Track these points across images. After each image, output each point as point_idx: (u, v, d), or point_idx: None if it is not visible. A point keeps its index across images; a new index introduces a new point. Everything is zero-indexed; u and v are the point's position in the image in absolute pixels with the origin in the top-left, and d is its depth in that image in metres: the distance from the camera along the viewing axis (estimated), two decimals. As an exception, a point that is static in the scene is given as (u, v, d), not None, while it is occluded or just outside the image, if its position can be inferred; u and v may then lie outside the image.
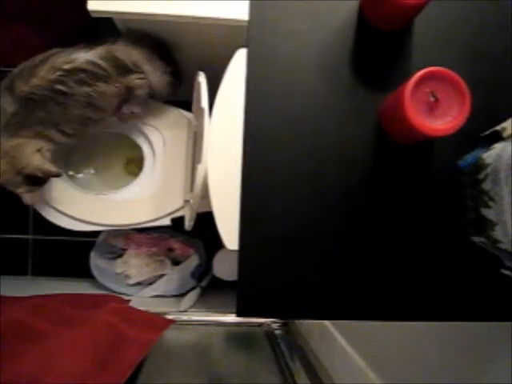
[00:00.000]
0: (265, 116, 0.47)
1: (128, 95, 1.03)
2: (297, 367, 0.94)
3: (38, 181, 1.00)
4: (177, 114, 1.17)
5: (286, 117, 0.47)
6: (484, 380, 0.51)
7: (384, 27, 0.48)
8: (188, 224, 1.03)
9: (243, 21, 0.49)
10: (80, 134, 1.07)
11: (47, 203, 1.14)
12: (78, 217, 1.14)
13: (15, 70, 0.98)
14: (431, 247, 0.48)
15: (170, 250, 1.42)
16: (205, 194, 0.75)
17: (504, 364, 0.48)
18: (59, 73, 0.94)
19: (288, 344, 1.06)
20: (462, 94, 0.42)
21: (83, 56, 0.96)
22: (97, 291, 1.32)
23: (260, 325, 1.16)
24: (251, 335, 1.12)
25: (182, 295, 1.33)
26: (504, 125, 0.44)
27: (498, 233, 0.41)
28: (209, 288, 1.41)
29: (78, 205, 1.15)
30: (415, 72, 0.42)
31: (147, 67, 1.02)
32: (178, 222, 1.15)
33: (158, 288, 1.36)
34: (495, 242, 0.42)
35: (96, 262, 1.38)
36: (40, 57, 0.97)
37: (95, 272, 1.37)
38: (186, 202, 1.13)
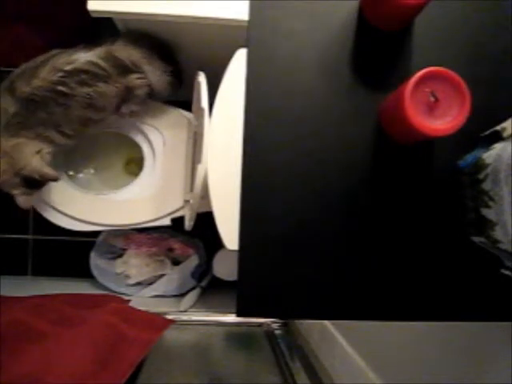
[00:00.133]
0: (265, 116, 0.47)
1: (128, 95, 1.03)
2: (297, 367, 0.94)
3: (35, 184, 1.00)
4: (177, 114, 1.17)
5: (286, 117, 0.47)
6: (484, 380, 0.51)
7: (384, 27, 0.48)
8: (188, 224, 1.03)
9: (243, 21, 0.49)
10: (80, 135, 1.07)
11: (47, 203, 1.14)
12: (78, 217, 1.14)
13: (16, 71, 0.98)
14: (431, 247, 0.48)
15: (170, 249, 1.42)
16: (205, 194, 0.75)
17: (504, 364, 0.48)
18: (60, 74, 0.94)
19: (288, 344, 1.06)
20: (462, 94, 0.42)
21: (83, 56, 0.96)
22: (97, 291, 1.32)
23: (260, 325, 1.16)
24: (251, 335, 1.12)
25: (182, 295, 1.33)
26: (504, 125, 0.44)
27: (498, 233, 0.41)
28: (209, 288, 1.41)
29: (78, 205, 1.15)
30: (415, 72, 0.42)
31: (147, 67, 1.02)
32: (178, 221, 1.15)
33: (158, 288, 1.36)
34: (495, 242, 0.42)
35: (96, 261, 1.38)
36: (41, 58, 0.97)
37: (95, 272, 1.37)
38: (186, 201, 1.13)
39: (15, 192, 0.99)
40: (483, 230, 0.44)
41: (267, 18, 0.48)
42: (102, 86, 0.98)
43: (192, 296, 1.30)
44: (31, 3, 1.32)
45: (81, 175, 1.30)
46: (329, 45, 0.48)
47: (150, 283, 1.38)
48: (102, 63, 0.97)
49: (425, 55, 0.49)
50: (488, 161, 0.42)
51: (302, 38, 0.48)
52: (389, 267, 0.47)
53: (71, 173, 1.26)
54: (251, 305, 0.47)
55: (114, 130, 1.18)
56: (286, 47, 0.48)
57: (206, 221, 0.81)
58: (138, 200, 1.16)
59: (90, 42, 1.01)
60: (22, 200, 1.00)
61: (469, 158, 0.46)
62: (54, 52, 0.99)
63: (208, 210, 0.70)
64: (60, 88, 0.95)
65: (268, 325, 1.16)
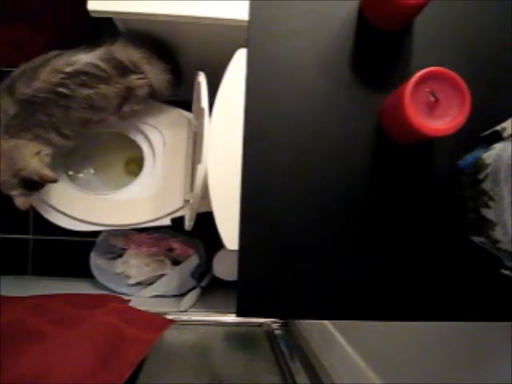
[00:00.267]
0: (265, 116, 0.47)
1: (128, 95, 1.03)
2: (297, 367, 0.94)
3: (33, 185, 1.00)
4: (177, 114, 1.17)
5: (286, 117, 0.47)
6: (484, 380, 0.51)
7: (384, 27, 0.48)
8: (188, 224, 1.03)
9: (243, 21, 0.49)
10: (80, 136, 1.07)
11: (47, 203, 1.14)
12: (77, 217, 1.15)
13: (15, 72, 0.98)
14: (431, 247, 0.48)
15: (170, 250, 1.42)
16: (205, 194, 0.75)
17: (504, 364, 0.48)
18: (61, 75, 0.94)
19: (288, 344, 1.06)
20: (462, 94, 0.42)
21: (84, 58, 0.96)
22: (97, 291, 1.32)
23: (260, 325, 1.16)
24: (251, 335, 1.12)
25: (182, 295, 1.33)
26: (504, 125, 0.44)
27: (498, 233, 0.41)
28: (209, 288, 1.41)
29: (78, 205, 1.15)
30: (415, 72, 0.42)
31: (147, 67, 1.02)
32: (178, 221, 1.15)
33: (158, 288, 1.36)
34: (495, 242, 0.42)
35: (96, 261, 1.38)
36: (41, 59, 0.97)
37: (95, 272, 1.37)
38: (186, 201, 1.13)
39: (13, 193, 0.99)
40: (483, 230, 0.44)
41: (267, 18, 0.48)
42: (102, 88, 0.98)
43: (192, 296, 1.30)
44: (31, 3, 1.32)
45: (81, 175, 1.30)
46: (329, 45, 0.48)
47: (150, 283, 1.38)
48: (102, 64, 0.97)
49: (425, 55, 0.49)
50: (488, 161, 0.42)
51: (302, 37, 0.48)
52: (389, 267, 0.47)
53: (71, 173, 1.26)
54: (251, 305, 0.47)
55: (114, 129, 1.18)
56: (286, 47, 0.48)
57: (206, 221, 0.81)
58: (138, 200, 1.16)
59: (90, 42, 1.01)
60: (20, 201, 1.00)
61: (469, 158, 0.46)
62: (53, 53, 0.99)
63: (208, 209, 0.70)
64: (60, 90, 0.95)
65: (268, 325, 1.16)
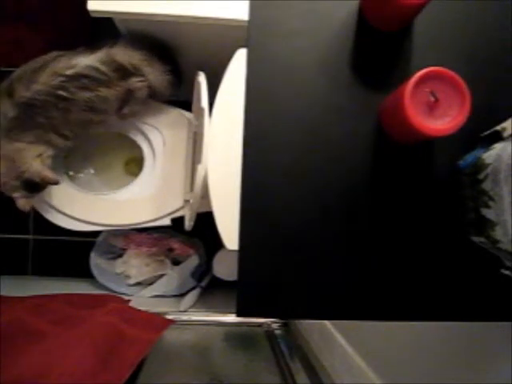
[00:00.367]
0: (265, 116, 0.47)
1: (128, 97, 1.03)
2: (297, 367, 0.94)
3: (35, 187, 1.01)
4: (177, 114, 1.17)
5: (286, 117, 0.47)
6: (484, 380, 0.51)
7: (384, 27, 0.48)
8: (188, 224, 1.03)
9: (243, 21, 0.49)
10: (80, 136, 1.07)
11: (47, 203, 1.14)
12: (77, 217, 1.15)
13: (14, 74, 0.98)
14: (431, 247, 0.48)
15: (170, 250, 1.42)
16: (205, 194, 0.75)
17: (504, 364, 0.48)
18: (60, 78, 0.94)
19: (288, 344, 1.06)
20: (462, 94, 0.42)
21: (84, 61, 0.96)
22: (97, 291, 1.32)
23: (260, 325, 1.16)
24: (251, 335, 1.12)
25: (182, 295, 1.33)
26: (504, 125, 0.44)
27: (497, 233, 0.41)
28: (209, 288, 1.41)
29: (78, 205, 1.15)
30: (415, 72, 0.42)
31: (147, 69, 1.02)
32: (178, 221, 1.15)
33: (158, 288, 1.36)
34: (495, 242, 0.42)
35: (96, 261, 1.38)
36: (40, 61, 0.97)
37: (95, 272, 1.37)
38: (186, 201, 1.13)
39: (16, 195, 1.00)
40: (483, 230, 0.44)
41: (267, 18, 0.48)
42: (102, 90, 0.98)
43: (192, 296, 1.31)
44: (31, 3, 1.32)
45: (81, 175, 1.30)
46: (329, 45, 0.48)
47: (150, 283, 1.38)
48: (102, 67, 0.96)
49: (425, 55, 0.49)
50: (488, 161, 0.42)
51: (301, 37, 0.48)
52: (389, 267, 0.47)
53: (71, 173, 1.26)
54: (251, 305, 0.47)
55: (114, 130, 1.18)
56: (286, 47, 0.48)
57: (206, 221, 0.81)
58: (138, 200, 1.16)
59: (90, 42, 1.01)
60: (23, 203, 1.01)
61: (469, 158, 0.46)
62: (53, 54, 0.98)
63: (208, 209, 0.70)
64: (60, 93, 0.95)
65: (268, 325, 1.16)
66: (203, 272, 1.43)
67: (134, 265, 1.37)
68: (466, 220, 0.47)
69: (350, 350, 0.81)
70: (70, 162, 1.24)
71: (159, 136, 1.17)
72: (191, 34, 1.01)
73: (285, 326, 1.17)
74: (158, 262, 1.39)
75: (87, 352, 0.76)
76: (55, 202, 1.14)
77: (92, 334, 0.84)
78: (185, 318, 1.15)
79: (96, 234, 1.39)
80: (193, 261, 1.40)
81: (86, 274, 1.38)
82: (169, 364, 0.91)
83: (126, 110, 1.07)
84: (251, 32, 0.48)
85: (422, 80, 0.42)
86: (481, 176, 0.43)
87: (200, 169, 0.80)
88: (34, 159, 0.98)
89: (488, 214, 0.42)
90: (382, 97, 0.48)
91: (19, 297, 1.06)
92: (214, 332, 1.12)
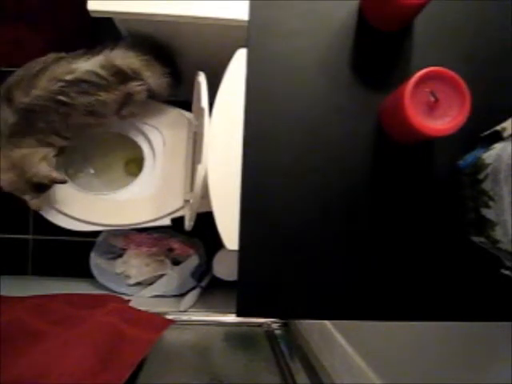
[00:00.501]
0: (265, 116, 0.47)
1: (128, 100, 1.04)
2: (297, 367, 0.94)
3: (43, 187, 1.03)
4: (177, 114, 1.17)
5: (286, 117, 0.47)
6: (484, 380, 0.51)
7: (384, 27, 0.48)
8: (188, 224, 1.03)
9: (243, 21, 0.49)
10: (80, 137, 1.08)
11: (47, 203, 1.14)
12: (77, 217, 1.15)
13: (12, 80, 0.97)
14: (431, 247, 0.48)
15: (170, 250, 1.42)
16: (205, 194, 0.75)
17: (504, 364, 0.48)
18: (60, 84, 0.94)
19: (288, 344, 1.06)
20: (462, 94, 0.42)
21: (83, 66, 0.95)
22: (97, 291, 1.32)
23: (260, 325, 1.16)
24: (251, 335, 1.12)
25: (182, 295, 1.33)
26: (504, 125, 0.44)
27: (497, 233, 0.41)
28: (209, 288, 1.41)
29: (78, 205, 1.15)
30: (415, 72, 0.42)
31: (147, 73, 1.02)
32: (178, 221, 1.15)
33: (158, 288, 1.36)
34: (495, 242, 0.42)
35: (96, 261, 1.38)
36: (38, 65, 0.96)
37: (95, 272, 1.37)
38: (186, 201, 1.13)
39: (27, 197, 1.03)
40: (483, 230, 0.44)
41: (267, 18, 0.48)
42: (102, 95, 0.98)
43: (192, 296, 1.31)
44: (31, 3, 1.32)
45: (81, 175, 1.30)
46: (329, 45, 0.48)
47: (150, 283, 1.38)
48: (102, 72, 0.96)
49: (425, 55, 0.49)
50: (488, 161, 0.42)
51: (302, 37, 0.48)
52: (389, 267, 0.47)
53: (71, 173, 1.26)
54: (251, 305, 0.47)
55: (114, 130, 1.18)
56: (286, 47, 0.48)
57: (205, 221, 0.81)
58: (138, 200, 1.16)
59: (90, 42, 1.01)
60: (34, 203, 1.04)
61: (469, 158, 0.46)
62: (50, 57, 0.98)
63: (208, 209, 0.70)
64: (60, 98, 0.95)
65: (268, 325, 1.16)
66: (203, 272, 1.43)
67: (134, 265, 1.37)
68: (466, 220, 0.47)
69: (350, 349, 0.81)
70: (69, 161, 1.24)
71: (159, 136, 1.17)
72: (191, 34, 1.01)
73: (285, 325, 1.17)
74: (157, 262, 1.39)
75: (87, 352, 0.76)
76: (55, 202, 1.14)
77: (92, 334, 0.84)
78: (185, 317, 1.15)
79: (96, 233, 1.39)
80: (193, 261, 1.40)
81: (86, 273, 1.38)
82: (169, 364, 0.91)
83: (125, 112, 1.07)
84: (251, 32, 0.48)
85: (422, 80, 0.42)
86: (481, 176, 0.43)
87: (200, 169, 0.80)
88: (41, 162, 1.00)
89: (488, 214, 0.42)
90: (381, 97, 0.48)
91: (19, 297, 1.06)
92: (214, 332, 1.12)
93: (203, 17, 0.89)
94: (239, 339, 1.11)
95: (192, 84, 1.03)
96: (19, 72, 0.98)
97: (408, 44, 0.49)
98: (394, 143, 0.48)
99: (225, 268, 1.39)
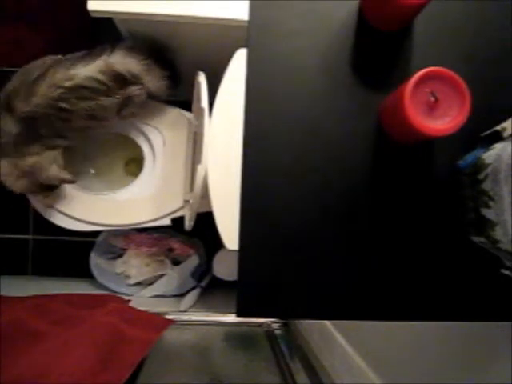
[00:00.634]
0: (265, 116, 0.47)
1: (127, 102, 1.04)
2: (297, 367, 0.94)
3: (52, 187, 1.06)
4: (177, 114, 1.17)
5: (286, 117, 0.47)
6: (484, 380, 0.51)
7: (384, 27, 0.48)
8: (188, 224, 1.03)
9: (243, 21, 0.49)
10: (81, 138, 1.09)
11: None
12: (77, 217, 1.15)
13: (9, 88, 0.97)
14: (431, 247, 0.48)
15: (170, 250, 1.42)
16: (205, 194, 0.75)
17: (504, 364, 0.48)
18: (60, 90, 0.94)
19: (288, 344, 1.06)
20: (462, 94, 0.42)
21: (83, 72, 0.95)
22: (97, 291, 1.32)
23: (260, 325, 1.16)
24: (251, 335, 1.12)
25: (182, 295, 1.33)
26: (504, 125, 0.44)
27: (497, 233, 0.41)
28: (209, 288, 1.41)
29: (78, 205, 1.15)
30: (415, 72, 0.42)
31: (147, 77, 1.03)
32: (178, 221, 1.15)
33: (158, 288, 1.36)
34: (495, 242, 0.42)
35: (96, 261, 1.38)
36: (36, 71, 0.96)
37: (95, 272, 1.37)
38: (186, 201, 1.13)
39: (39, 198, 1.07)
40: (483, 230, 0.44)
41: (267, 18, 0.48)
42: (102, 99, 0.99)
43: (192, 296, 1.31)
44: (31, 3, 1.32)
45: (81, 175, 1.30)
46: (329, 45, 0.48)
47: (150, 283, 1.38)
48: (101, 78, 0.96)
49: (425, 55, 0.49)
50: (488, 161, 0.42)
51: (302, 37, 0.48)
52: (389, 267, 0.47)
53: (71, 173, 1.26)
54: (251, 305, 0.47)
55: (114, 130, 1.18)
56: (286, 47, 0.48)
57: (205, 221, 0.81)
58: (138, 200, 1.16)
59: (90, 43, 1.01)
60: (48, 201, 1.08)
61: (469, 158, 0.46)
62: (47, 62, 0.98)
63: (208, 209, 0.70)
64: (61, 104, 0.95)
65: (268, 325, 1.16)
66: (203, 272, 1.43)
67: (134, 265, 1.37)
68: (466, 220, 0.47)
69: (350, 349, 0.81)
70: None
71: (159, 136, 1.17)
72: (191, 34, 1.01)
73: (285, 325, 1.17)
74: (158, 262, 1.39)
75: (87, 352, 0.76)
76: (55, 202, 1.14)
77: (92, 334, 0.84)
78: (185, 317, 1.15)
79: (96, 233, 1.39)
80: (193, 261, 1.40)
81: (86, 274, 1.38)
82: (169, 364, 0.91)
83: (124, 113, 1.08)
84: (251, 32, 0.48)
85: (422, 80, 0.42)
86: (481, 176, 0.43)
87: (200, 169, 0.80)
88: (51, 166, 1.02)
89: (488, 214, 0.42)
90: (381, 97, 0.48)
91: (19, 297, 1.06)
92: (214, 332, 1.12)
93: (203, 17, 0.89)
94: (239, 339, 1.11)
95: (192, 84, 1.03)
96: (17, 78, 0.97)
97: (408, 44, 0.49)
98: (394, 143, 0.48)
99: (225, 268, 1.39)
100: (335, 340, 0.87)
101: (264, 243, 0.46)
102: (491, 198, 0.41)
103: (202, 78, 0.94)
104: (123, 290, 1.35)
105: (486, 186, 0.42)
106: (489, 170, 0.42)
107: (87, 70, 0.95)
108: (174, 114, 1.17)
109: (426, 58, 0.49)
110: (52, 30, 1.35)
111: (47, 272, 1.53)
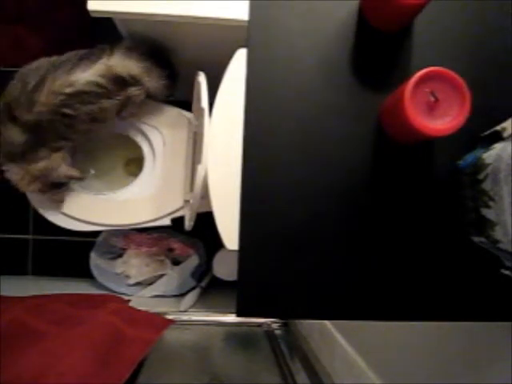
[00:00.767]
0: (265, 116, 0.47)
1: (127, 103, 1.04)
2: (297, 367, 0.94)
3: (61, 184, 1.09)
4: (177, 114, 1.17)
5: (286, 117, 0.47)
6: (484, 380, 0.51)
7: (384, 27, 0.48)
8: (188, 224, 1.03)
9: (243, 21, 0.49)
10: (83, 139, 1.10)
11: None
12: (78, 217, 1.15)
13: (8, 97, 0.97)
14: (431, 247, 0.48)
15: (170, 250, 1.42)
16: (205, 194, 0.75)
17: (504, 364, 0.48)
18: (61, 97, 0.94)
19: (288, 344, 1.06)
20: (462, 94, 0.42)
21: (83, 77, 0.95)
22: (97, 291, 1.32)
23: (260, 325, 1.16)
24: (251, 335, 1.12)
25: (182, 295, 1.33)
26: (504, 125, 0.44)
27: (497, 233, 0.41)
28: (209, 288, 1.41)
29: (78, 205, 1.15)
30: (415, 72, 0.42)
31: (146, 79, 1.03)
32: (178, 221, 1.15)
33: (158, 288, 1.36)
34: (495, 242, 0.42)
35: (96, 261, 1.38)
36: (33, 78, 0.96)
37: (95, 272, 1.37)
38: (186, 201, 1.13)
39: (49, 195, 1.09)
40: (483, 230, 0.44)
41: (267, 18, 0.48)
42: (103, 102, 0.99)
43: (192, 296, 1.30)
44: (31, 3, 1.32)
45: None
46: (329, 45, 0.48)
47: (150, 283, 1.38)
48: (102, 81, 0.96)
49: (425, 55, 0.49)
50: (488, 161, 0.42)
51: (302, 37, 0.48)
52: (389, 267, 0.47)
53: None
54: (251, 305, 0.47)
55: (114, 130, 1.18)
56: (286, 47, 0.48)
57: (206, 221, 0.81)
58: (138, 200, 1.16)
59: (90, 43, 1.01)
60: (58, 198, 1.10)
61: (469, 158, 0.46)
62: (44, 65, 0.97)
63: (208, 209, 0.70)
64: (64, 110, 0.96)
65: (268, 325, 1.16)
66: (203, 272, 1.43)
67: (134, 265, 1.37)
68: (466, 220, 0.47)
69: (350, 349, 0.81)
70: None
71: (159, 136, 1.17)
72: (191, 34, 1.01)
73: (285, 325, 1.17)
74: (157, 262, 1.39)
75: (87, 352, 0.76)
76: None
77: (92, 334, 0.84)
78: (185, 317, 1.15)
79: (96, 233, 1.39)
80: (193, 261, 1.40)
81: (86, 274, 1.38)
82: (169, 364, 0.91)
83: (124, 113, 1.08)
84: (251, 32, 0.48)
85: (422, 80, 0.42)
86: (481, 176, 0.43)
87: (200, 169, 0.80)
88: (60, 165, 1.05)
89: (488, 214, 0.42)
90: (382, 97, 0.48)
91: (19, 297, 1.06)
92: (214, 332, 1.12)
93: (203, 17, 0.89)
94: (239, 339, 1.11)
95: (192, 84, 1.03)
96: (14, 86, 0.97)
97: (408, 44, 0.49)
98: (394, 143, 0.48)
99: (225, 268, 1.39)
100: (335, 340, 0.87)
101: (264, 243, 0.46)
102: (491, 198, 0.41)
103: (202, 78, 0.94)
104: (123, 290, 1.35)
105: (486, 185, 0.42)
106: (489, 169, 0.42)
107: (87, 75, 0.96)
108: (174, 113, 1.17)
109: (426, 58, 0.49)
110: (52, 29, 1.35)
111: (47, 272, 1.53)
